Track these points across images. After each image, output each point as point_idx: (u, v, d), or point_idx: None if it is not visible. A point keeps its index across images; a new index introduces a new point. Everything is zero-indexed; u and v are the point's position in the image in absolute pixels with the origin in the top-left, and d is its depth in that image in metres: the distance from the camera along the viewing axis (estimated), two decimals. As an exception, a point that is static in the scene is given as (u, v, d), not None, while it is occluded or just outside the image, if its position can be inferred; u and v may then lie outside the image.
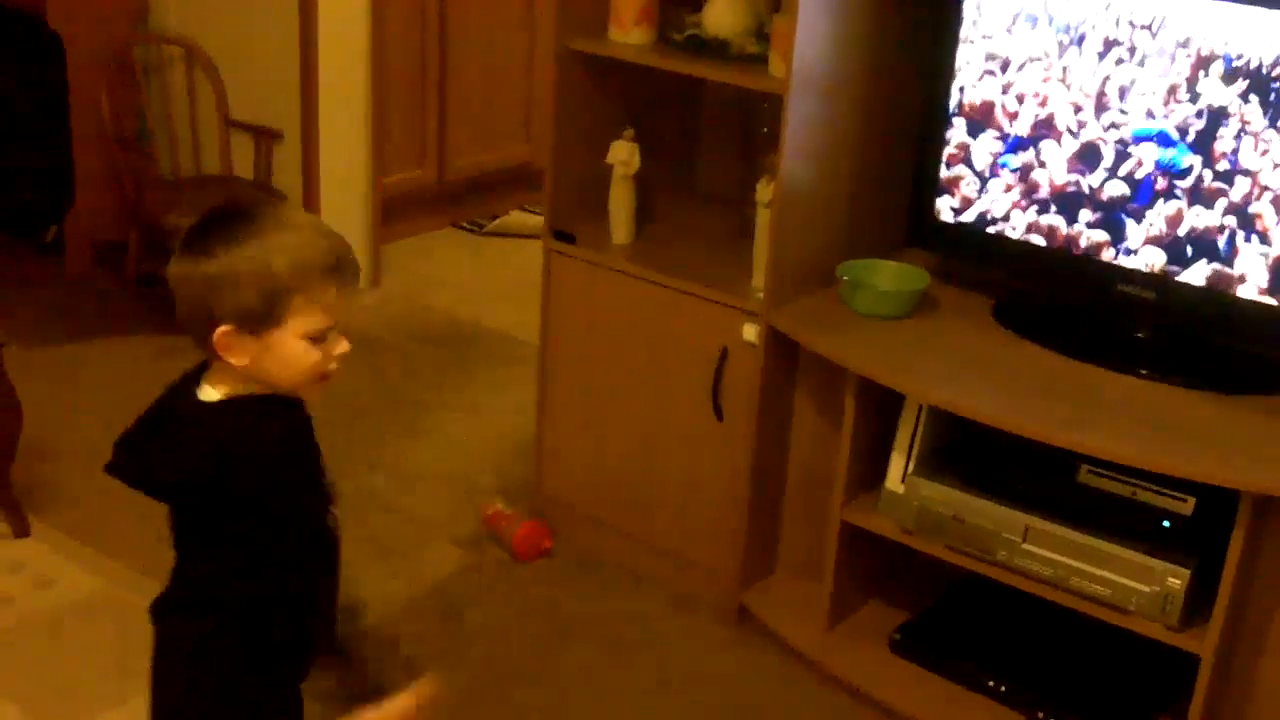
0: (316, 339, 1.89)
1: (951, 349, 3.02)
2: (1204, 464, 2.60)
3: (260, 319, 1.85)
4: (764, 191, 3.12)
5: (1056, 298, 3.17)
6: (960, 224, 3.12)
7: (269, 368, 1.89)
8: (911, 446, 3.04)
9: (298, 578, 1.98)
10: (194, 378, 1.96)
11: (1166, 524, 2.78)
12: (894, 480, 3.05)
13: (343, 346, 1.93)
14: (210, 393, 1.93)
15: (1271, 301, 2.77)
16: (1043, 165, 2.98)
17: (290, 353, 1.88)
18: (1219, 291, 2.82)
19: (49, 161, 4.93)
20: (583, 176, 3.43)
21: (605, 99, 3.41)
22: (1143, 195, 2.87)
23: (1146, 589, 2.73)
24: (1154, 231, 2.87)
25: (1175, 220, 2.84)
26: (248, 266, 1.83)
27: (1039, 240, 3.02)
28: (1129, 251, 2.91)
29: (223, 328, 1.86)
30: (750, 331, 3.13)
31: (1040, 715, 2.95)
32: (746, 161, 3.50)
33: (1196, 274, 2.84)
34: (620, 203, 3.38)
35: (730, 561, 3.29)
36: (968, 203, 3.10)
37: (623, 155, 3.33)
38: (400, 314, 4.90)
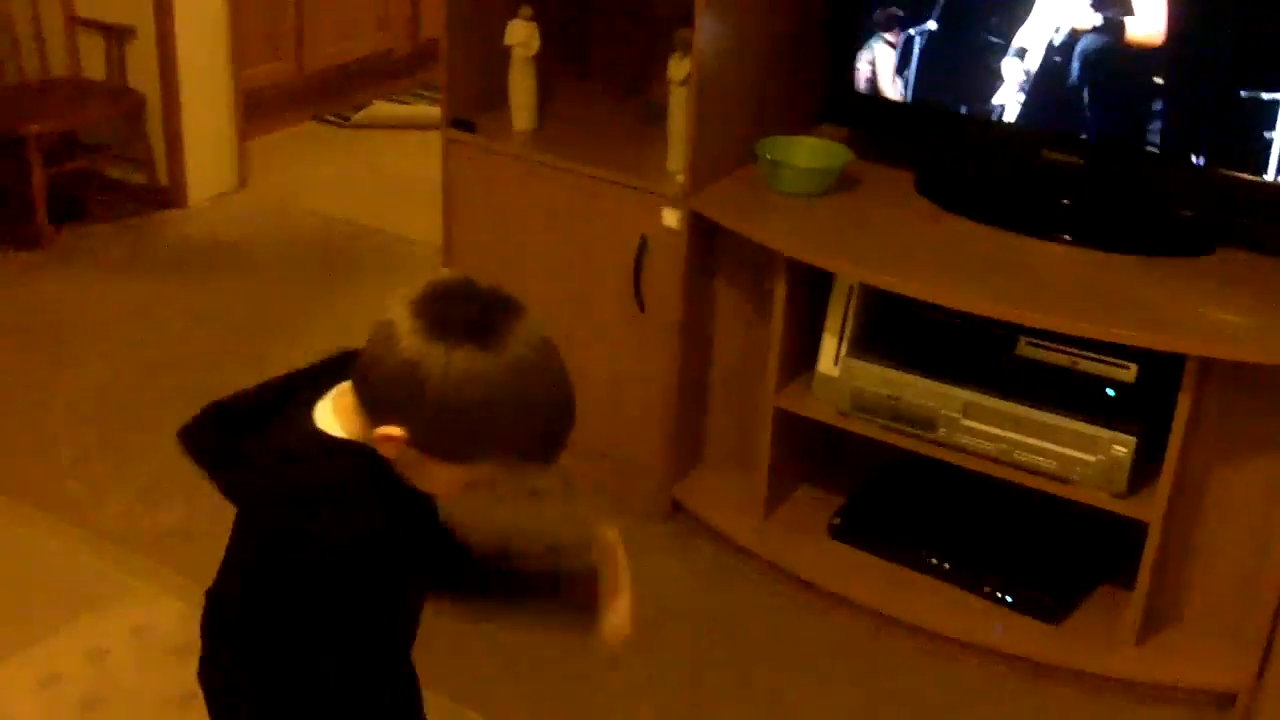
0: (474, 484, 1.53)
1: (878, 225, 2.93)
2: (1147, 330, 2.57)
3: (437, 453, 1.48)
4: (677, 69, 2.98)
5: (980, 168, 3.09)
6: (879, 95, 3.02)
7: (410, 473, 1.52)
8: (843, 328, 2.96)
9: (342, 654, 1.65)
10: (326, 380, 1.58)
11: (1110, 392, 2.74)
12: (827, 363, 2.98)
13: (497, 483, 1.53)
14: (331, 420, 1.54)
15: (1197, 161, 2.72)
16: (964, 29, 2.88)
17: (444, 483, 1.53)
18: (1144, 153, 2.77)
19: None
20: (478, 61, 3.26)
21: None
22: (1068, 56, 2.78)
23: (1092, 459, 2.70)
24: (1081, 94, 2.79)
25: (1102, 82, 2.77)
26: (478, 400, 1.43)
27: (962, 108, 2.93)
28: (1054, 116, 2.83)
29: (395, 431, 1.47)
30: (671, 217, 3.00)
31: (987, 589, 2.92)
32: (650, 40, 3.35)
33: (1122, 136, 2.78)
34: (521, 87, 3.22)
35: (659, 456, 3.20)
36: (884, 71, 2.99)
37: (521, 36, 3.16)
38: (273, 217, 4.67)
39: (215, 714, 1.80)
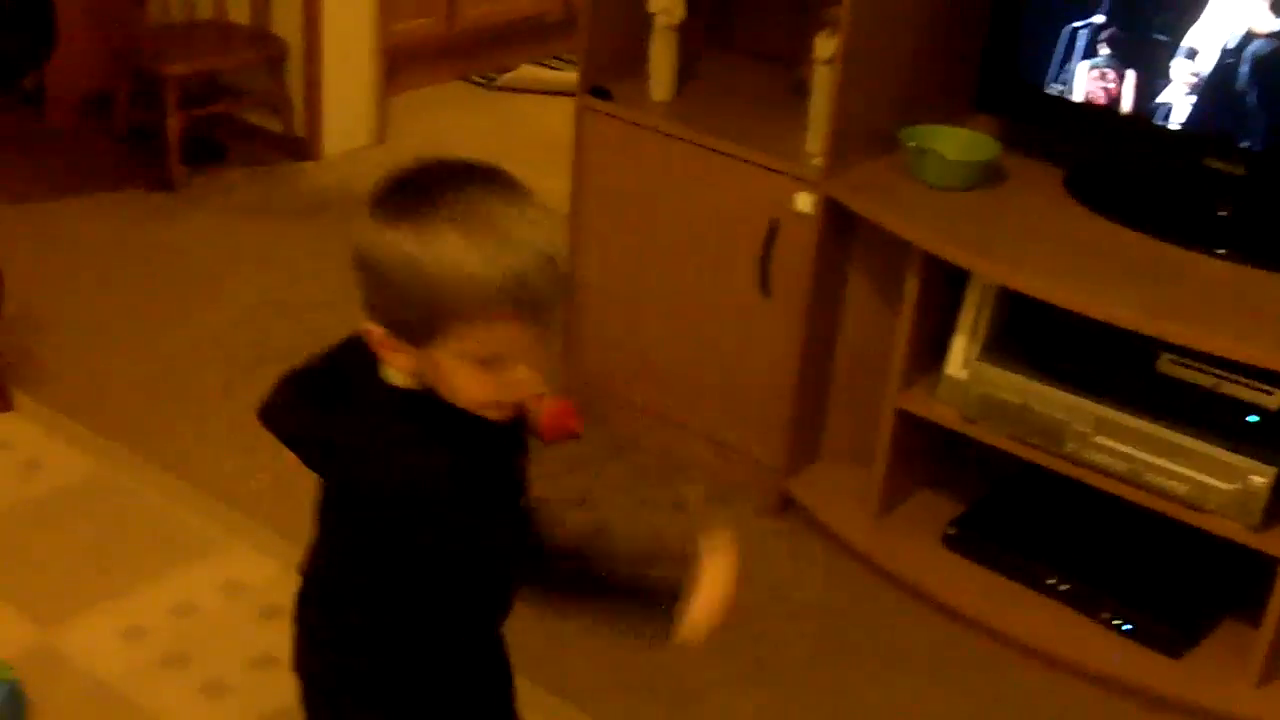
0: (488, 364, 1.47)
1: (1021, 224, 2.81)
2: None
3: (413, 331, 1.47)
4: (823, 47, 2.87)
5: (1136, 170, 2.95)
6: (1036, 87, 2.88)
7: (435, 383, 1.51)
8: (975, 329, 2.84)
9: (439, 630, 1.67)
10: None
11: (1253, 419, 2.60)
12: (955, 365, 2.86)
13: (530, 385, 1.49)
14: (394, 374, 1.54)
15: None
16: (1132, 25, 2.74)
17: (452, 376, 1.48)
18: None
19: (26, 4, 4.63)
20: (619, 27, 3.17)
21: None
22: (1239, 60, 2.63)
23: (1227, 487, 2.57)
24: (1248, 101, 2.64)
25: (1273, 89, 2.61)
26: (407, 266, 1.43)
27: (1122, 107, 2.79)
28: (1219, 122, 2.68)
29: (373, 327, 1.49)
30: (805, 201, 2.90)
31: (1105, 616, 2.79)
32: (799, 14, 3.25)
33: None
34: (662, 56, 3.13)
35: (775, 448, 3.11)
36: (1045, 63, 2.86)
37: (665, 3, 3.08)
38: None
39: (312, 703, 1.76)
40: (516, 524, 1.57)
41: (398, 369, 1.52)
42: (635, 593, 1.57)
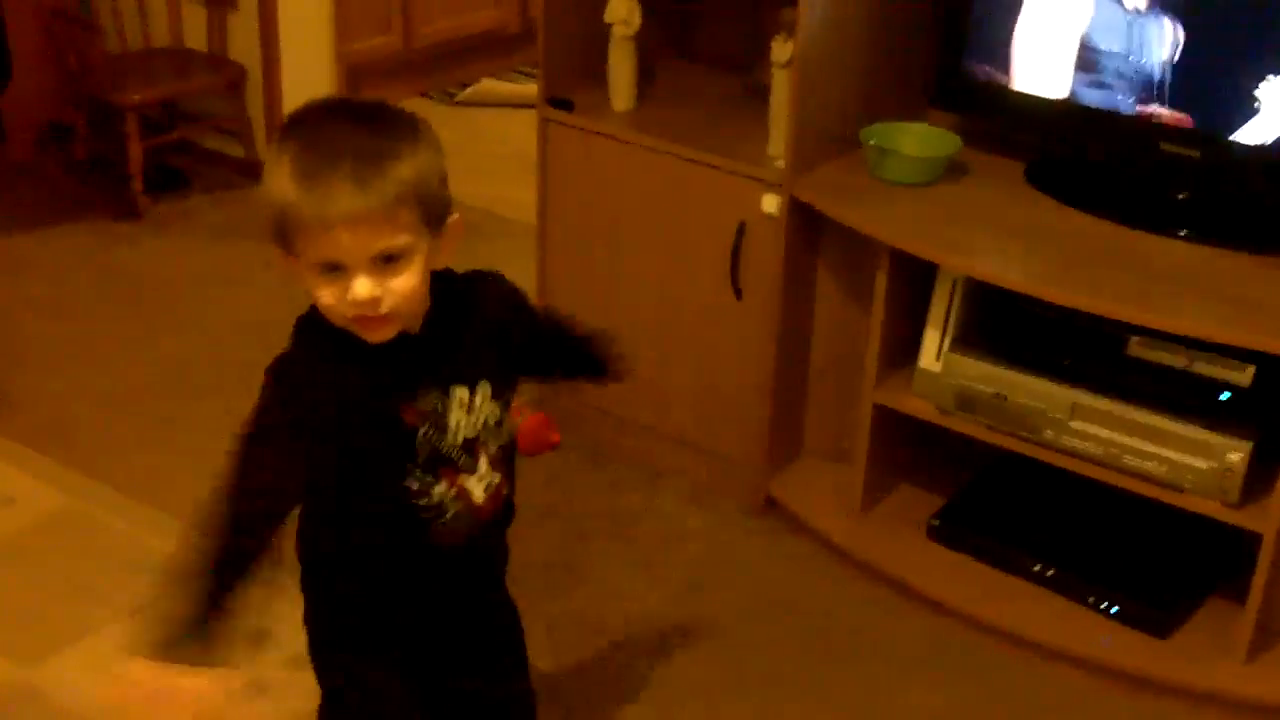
0: (328, 272, 1.63)
1: (986, 216, 2.83)
2: (1265, 332, 2.45)
3: (278, 241, 1.65)
4: (780, 50, 2.89)
5: (1092, 158, 2.97)
6: (991, 81, 2.90)
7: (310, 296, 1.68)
8: (947, 322, 2.86)
9: (352, 540, 1.80)
10: None
11: (1225, 396, 2.62)
12: (929, 359, 2.88)
13: (355, 291, 1.63)
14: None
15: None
16: (1080, 15, 2.76)
17: (309, 284, 1.66)
18: (1266, 147, 2.63)
19: (-22, 37, 4.62)
20: (577, 38, 3.18)
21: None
22: (1190, 45, 2.66)
23: (1204, 465, 2.59)
24: (1200, 84, 2.67)
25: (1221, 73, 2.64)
26: (264, 184, 1.65)
27: (1077, 98, 2.81)
28: (1172, 106, 2.71)
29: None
30: (770, 203, 2.91)
31: (1091, 599, 2.81)
32: (754, 19, 3.26)
33: (1242, 130, 2.65)
34: (621, 66, 3.14)
35: (754, 449, 3.11)
36: (998, 57, 2.87)
37: (622, 13, 3.09)
38: (372, 191, 4.63)
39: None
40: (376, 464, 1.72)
41: (296, 283, 1.67)
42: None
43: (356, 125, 1.62)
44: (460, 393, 1.76)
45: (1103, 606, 2.79)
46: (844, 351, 3.04)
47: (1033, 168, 2.96)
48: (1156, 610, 2.77)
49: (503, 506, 1.90)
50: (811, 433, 3.19)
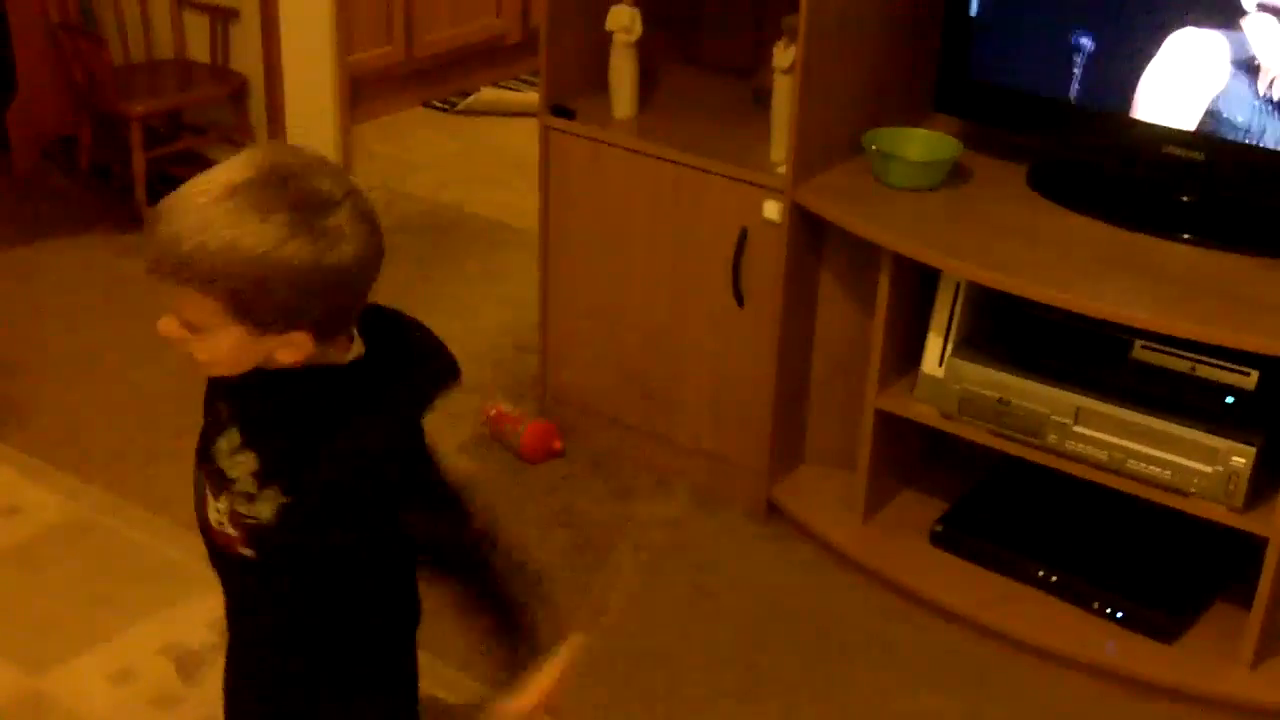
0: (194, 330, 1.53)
1: (988, 221, 2.82)
2: (1269, 335, 2.45)
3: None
4: (782, 56, 2.88)
5: (1095, 162, 2.96)
6: (993, 86, 2.90)
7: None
8: (949, 327, 2.85)
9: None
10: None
11: (1229, 400, 2.62)
12: (931, 363, 2.87)
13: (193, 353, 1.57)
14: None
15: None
16: (1084, 21, 2.75)
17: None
18: (1271, 150, 2.63)
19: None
20: (579, 46, 3.18)
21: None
22: (1194, 49, 2.65)
23: (1209, 469, 2.58)
24: (1204, 87, 2.66)
25: (1225, 77, 2.63)
26: None
27: (1079, 100, 2.80)
28: (1175, 109, 2.70)
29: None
30: (772, 209, 2.91)
31: (1096, 604, 2.80)
32: (756, 25, 3.26)
33: (1245, 133, 2.64)
34: (622, 73, 3.14)
35: (757, 455, 3.11)
36: (1001, 61, 2.87)
37: (624, 21, 3.09)
38: (376, 202, 4.61)
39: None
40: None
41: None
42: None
43: (263, 190, 1.45)
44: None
45: (1108, 612, 2.79)
46: (846, 357, 3.03)
47: (1035, 171, 2.96)
48: (1161, 615, 2.76)
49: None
50: (814, 438, 3.18)
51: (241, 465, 1.63)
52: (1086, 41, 2.77)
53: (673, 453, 3.26)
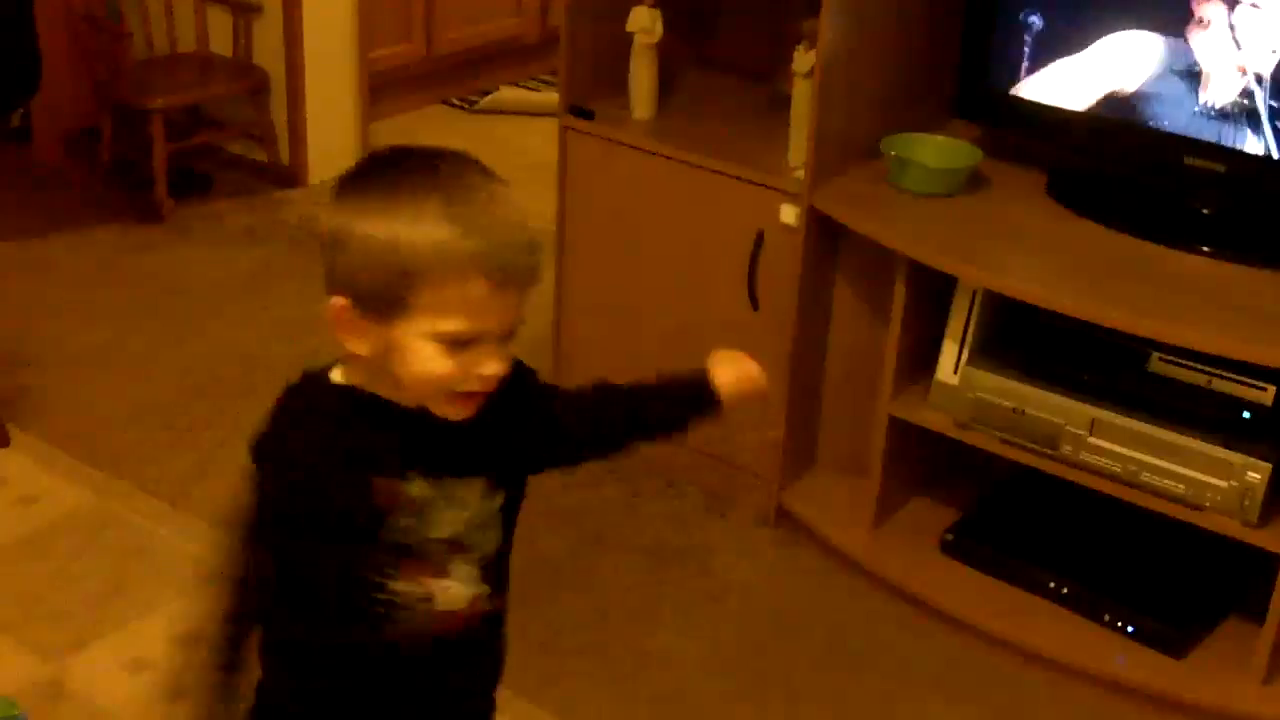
0: (454, 345, 1.44)
1: (1007, 229, 2.81)
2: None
3: (381, 304, 1.44)
4: (802, 61, 2.88)
5: (1115, 171, 2.95)
6: (1014, 94, 2.88)
7: (394, 367, 1.47)
8: (965, 334, 2.84)
9: (311, 627, 1.64)
10: None
11: (1246, 415, 2.60)
12: (946, 371, 2.86)
13: (491, 366, 1.46)
14: (338, 373, 1.55)
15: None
16: (1104, 29, 2.74)
17: (415, 355, 1.45)
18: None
19: (9, 41, 4.62)
20: (598, 47, 3.18)
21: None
22: (1216, 59, 2.63)
23: (1224, 484, 2.56)
24: (1224, 99, 2.64)
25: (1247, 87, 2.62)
26: (379, 233, 1.42)
27: (1100, 110, 2.79)
28: (1197, 119, 2.68)
29: (338, 299, 1.47)
30: (789, 213, 2.90)
31: (1107, 617, 2.78)
32: (776, 28, 3.25)
33: (1266, 145, 2.62)
34: (642, 74, 3.13)
35: (768, 459, 3.10)
36: (1021, 69, 2.86)
37: (644, 22, 3.08)
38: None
39: None
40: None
41: (355, 349, 1.49)
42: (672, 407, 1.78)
43: (494, 183, 1.49)
44: (451, 486, 1.55)
45: (1119, 624, 2.77)
46: (860, 363, 3.02)
47: (1054, 180, 2.94)
48: (1173, 629, 2.74)
49: (482, 621, 1.65)
50: (826, 444, 3.17)
51: (472, 494, 1.59)
52: (1107, 50, 2.76)
53: (684, 456, 3.24)
